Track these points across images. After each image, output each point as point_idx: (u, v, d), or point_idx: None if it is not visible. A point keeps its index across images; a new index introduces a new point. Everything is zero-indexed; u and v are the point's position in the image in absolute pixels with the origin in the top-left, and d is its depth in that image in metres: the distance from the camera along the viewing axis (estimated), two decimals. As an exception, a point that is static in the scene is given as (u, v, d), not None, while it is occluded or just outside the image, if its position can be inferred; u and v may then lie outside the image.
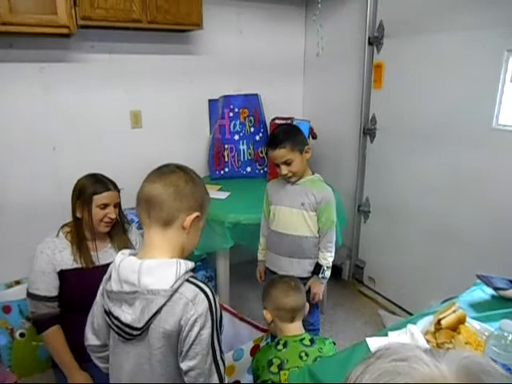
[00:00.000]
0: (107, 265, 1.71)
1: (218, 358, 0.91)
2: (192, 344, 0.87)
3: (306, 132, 2.40)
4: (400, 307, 2.57)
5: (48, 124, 2.27)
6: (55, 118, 2.28)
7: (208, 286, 0.92)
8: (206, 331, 0.88)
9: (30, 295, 1.67)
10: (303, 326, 1.53)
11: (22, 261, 1.99)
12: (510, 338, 0.96)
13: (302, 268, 1.86)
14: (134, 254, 0.96)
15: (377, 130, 2.58)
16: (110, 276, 0.95)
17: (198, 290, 0.89)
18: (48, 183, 2.30)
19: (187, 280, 0.90)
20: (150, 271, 0.88)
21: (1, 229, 2.22)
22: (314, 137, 2.65)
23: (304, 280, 1.86)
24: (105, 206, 1.66)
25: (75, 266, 1.67)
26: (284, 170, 1.75)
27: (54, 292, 1.68)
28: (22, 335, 2.01)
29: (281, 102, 2.98)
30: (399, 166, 2.45)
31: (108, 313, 0.95)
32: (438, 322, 1.18)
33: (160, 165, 1.01)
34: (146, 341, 0.91)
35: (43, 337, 1.70)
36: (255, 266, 2.06)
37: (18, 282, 2.04)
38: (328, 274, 1.84)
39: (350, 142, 2.75)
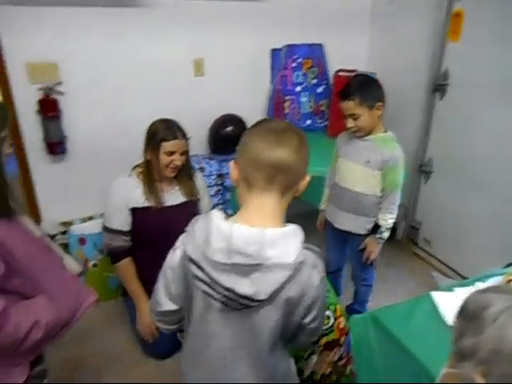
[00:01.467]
0: (174, 206, 1.83)
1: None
2: (315, 303, 0.91)
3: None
4: (455, 271, 2.52)
5: (116, 70, 2.33)
6: (123, 63, 2.34)
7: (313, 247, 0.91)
8: (324, 287, 0.93)
9: (105, 229, 1.82)
10: (357, 281, 1.49)
11: (94, 199, 2.15)
12: None
13: (358, 224, 1.86)
14: (227, 218, 0.86)
15: (448, 86, 2.43)
16: (209, 243, 0.81)
17: (314, 254, 0.88)
18: (116, 128, 2.41)
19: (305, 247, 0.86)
20: (275, 242, 0.80)
21: (75, 170, 2.38)
22: (380, 91, 2.54)
23: (359, 237, 1.87)
24: (171, 153, 1.73)
25: (145, 204, 1.78)
26: (350, 122, 1.71)
27: (127, 227, 1.81)
28: (95, 266, 2.21)
29: (345, 54, 2.85)
30: (471, 126, 2.31)
31: (211, 280, 0.83)
32: (508, 282, 1.16)
33: (260, 119, 0.94)
34: (261, 310, 0.85)
35: (116, 267, 1.86)
36: (310, 219, 2.08)
37: (91, 218, 2.21)
38: (386, 235, 1.82)
39: (416, 98, 2.61)
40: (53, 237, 2.37)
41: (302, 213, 2.29)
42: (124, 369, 1.87)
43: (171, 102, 2.50)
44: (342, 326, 1.49)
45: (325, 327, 1.46)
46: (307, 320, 0.93)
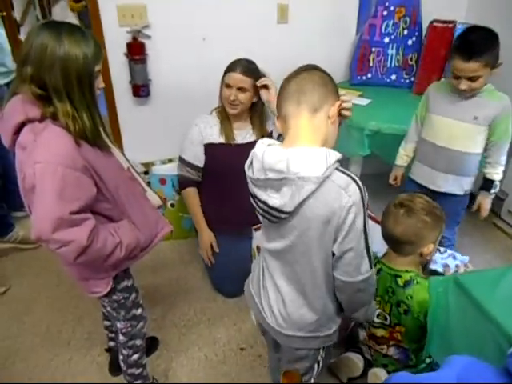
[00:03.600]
0: (244, 144, 1.87)
1: (369, 243, 0.95)
2: (348, 230, 0.90)
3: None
4: (541, 248, 2.33)
5: (201, 15, 2.32)
6: (204, 8, 2.31)
7: (357, 176, 0.92)
8: (360, 219, 0.90)
9: (180, 158, 1.99)
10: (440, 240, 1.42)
11: (174, 142, 2.22)
12: None
13: (458, 185, 1.77)
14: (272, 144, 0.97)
15: None
16: (251, 163, 0.97)
17: (349, 179, 0.90)
18: (198, 73, 2.43)
19: (337, 169, 0.91)
20: (300, 158, 0.88)
21: (157, 113, 2.47)
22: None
23: (454, 197, 1.79)
24: (229, 86, 1.77)
25: (220, 140, 1.88)
26: (464, 84, 1.55)
27: (198, 162, 1.95)
28: (172, 205, 2.34)
29: (441, 2, 2.58)
30: None
31: (253, 196, 0.99)
32: None
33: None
34: (292, 225, 0.94)
35: (183, 194, 2.03)
36: (386, 179, 2.01)
37: (170, 160, 2.31)
38: (499, 188, 1.75)
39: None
40: (135, 175, 2.53)
41: (379, 173, 2.22)
42: (194, 300, 2.02)
43: (253, 48, 2.44)
44: (394, 335, 1.47)
45: (381, 321, 1.46)
46: (342, 248, 0.92)
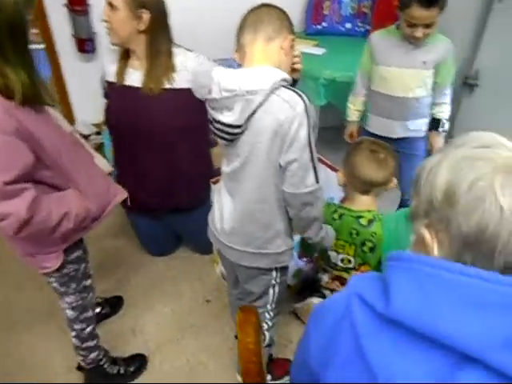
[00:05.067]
0: (128, 87, 1.58)
1: (314, 157, 1.02)
2: (291, 141, 0.99)
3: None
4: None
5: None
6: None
7: (304, 94, 1.00)
8: (303, 130, 0.98)
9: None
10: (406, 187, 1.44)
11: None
12: None
13: (418, 127, 1.81)
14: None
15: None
16: (210, 91, 1.05)
17: (294, 94, 0.99)
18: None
19: (284, 87, 1.00)
20: (250, 76, 0.99)
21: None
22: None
23: (414, 140, 1.83)
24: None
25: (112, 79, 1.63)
26: (420, 32, 1.54)
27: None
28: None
29: None
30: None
31: (211, 121, 1.08)
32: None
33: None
34: (245, 140, 1.04)
35: None
36: (343, 131, 2.02)
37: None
38: (447, 126, 1.80)
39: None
40: (87, 137, 2.42)
41: (337, 125, 2.23)
42: (156, 258, 2.02)
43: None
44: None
45: (345, 265, 1.51)
46: (287, 158, 1.00)
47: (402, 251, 0.52)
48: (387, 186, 1.39)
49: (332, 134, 2.42)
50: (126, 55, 1.58)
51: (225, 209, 1.18)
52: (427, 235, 0.51)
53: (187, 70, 1.54)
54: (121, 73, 1.59)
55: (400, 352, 0.47)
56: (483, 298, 0.43)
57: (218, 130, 1.06)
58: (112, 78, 1.61)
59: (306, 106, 0.98)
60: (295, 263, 1.74)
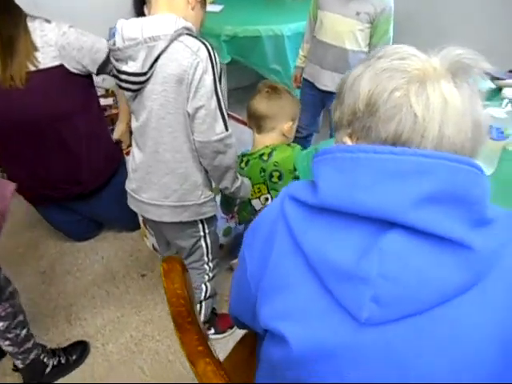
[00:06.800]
0: None
1: (222, 105, 1.04)
2: (197, 87, 0.99)
3: None
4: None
5: None
6: None
7: (208, 43, 1.02)
8: (209, 76, 1.00)
9: None
10: None
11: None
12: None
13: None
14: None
15: None
16: (114, 42, 1.04)
17: (198, 41, 1.00)
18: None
19: (189, 35, 1.00)
20: (152, 23, 0.98)
21: None
22: None
23: None
24: None
25: None
26: None
27: None
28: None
29: None
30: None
31: (116, 73, 1.06)
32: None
33: None
34: (150, 89, 1.04)
35: None
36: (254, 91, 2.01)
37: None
38: None
39: None
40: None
41: (248, 85, 2.24)
42: (81, 244, 1.92)
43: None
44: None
45: (265, 204, 1.51)
46: (193, 106, 1.01)
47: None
48: (278, 122, 1.39)
49: (243, 93, 2.43)
50: None
51: (138, 164, 1.16)
52: (349, 143, 0.55)
53: (50, 44, 1.36)
54: None
55: (330, 234, 0.51)
56: (398, 168, 0.46)
57: (123, 81, 1.05)
58: None
59: (209, 52, 0.99)
60: (224, 222, 1.75)
